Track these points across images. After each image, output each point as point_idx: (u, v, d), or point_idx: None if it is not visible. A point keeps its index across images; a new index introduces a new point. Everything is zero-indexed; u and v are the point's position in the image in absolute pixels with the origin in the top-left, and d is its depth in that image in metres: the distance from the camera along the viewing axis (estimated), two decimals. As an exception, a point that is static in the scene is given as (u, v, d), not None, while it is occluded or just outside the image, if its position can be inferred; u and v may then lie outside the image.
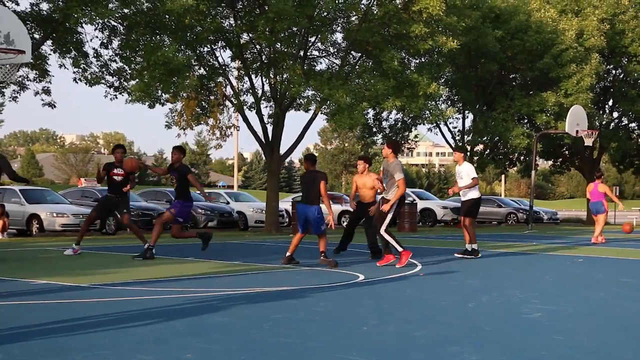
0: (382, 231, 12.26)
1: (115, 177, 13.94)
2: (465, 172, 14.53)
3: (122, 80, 22.58)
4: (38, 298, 7.87)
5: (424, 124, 32.19)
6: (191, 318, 6.67)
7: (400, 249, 12.20)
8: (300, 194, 13.23)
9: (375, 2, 24.78)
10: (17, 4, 20.48)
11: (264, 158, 39.30)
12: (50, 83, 22.24)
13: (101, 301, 7.68)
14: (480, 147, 37.04)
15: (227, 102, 28.06)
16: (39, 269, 11.26)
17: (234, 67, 27.68)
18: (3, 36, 13.33)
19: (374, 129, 34.80)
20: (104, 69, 22.26)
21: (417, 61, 28.71)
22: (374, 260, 13.20)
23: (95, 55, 21.99)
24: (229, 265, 12.04)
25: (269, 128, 26.34)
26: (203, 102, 27.89)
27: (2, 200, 23.71)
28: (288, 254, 12.42)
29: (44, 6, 20.33)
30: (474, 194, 14.52)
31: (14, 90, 22.26)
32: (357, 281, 10.03)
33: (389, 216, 12.27)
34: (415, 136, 36.21)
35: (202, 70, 25.69)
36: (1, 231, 20.90)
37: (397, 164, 12.33)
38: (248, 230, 27.70)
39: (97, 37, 21.89)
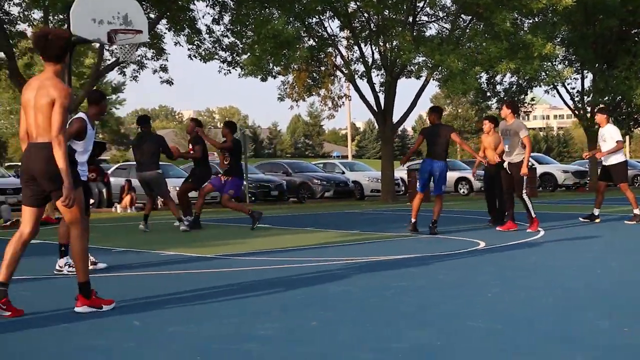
0: (523, 194, 12.03)
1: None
2: (609, 135, 13.70)
3: (234, 55, 22.95)
4: (167, 269, 8.16)
5: (540, 86, 31.16)
6: (312, 287, 6.73)
7: (533, 215, 12.01)
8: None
9: (485, -38, 24.09)
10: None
11: (376, 127, 39.01)
12: (167, 61, 22.96)
13: (224, 271, 7.87)
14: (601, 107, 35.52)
15: (338, 72, 28.10)
16: (167, 240, 11.66)
17: (343, 37, 27.67)
18: (122, 17, 13.77)
19: (488, 93, 33.95)
20: (216, 45, 22.70)
21: (531, 21, 27.76)
22: (493, 226, 12.95)
23: (207, 31, 22.46)
24: (347, 235, 12.09)
25: (381, 96, 26.20)
26: (314, 73, 28.03)
27: (128, 176, 24.66)
28: (413, 220, 12.00)
29: (158, -15, 20.89)
30: (618, 157, 13.78)
31: (133, 70, 23.08)
32: (478, 248, 9.86)
33: (525, 177, 12.04)
34: (532, 99, 35.10)
35: (311, 42, 25.83)
36: (130, 205, 21.80)
37: (519, 123, 12.08)
38: (364, 200, 27.75)
39: (208, 13, 22.65)
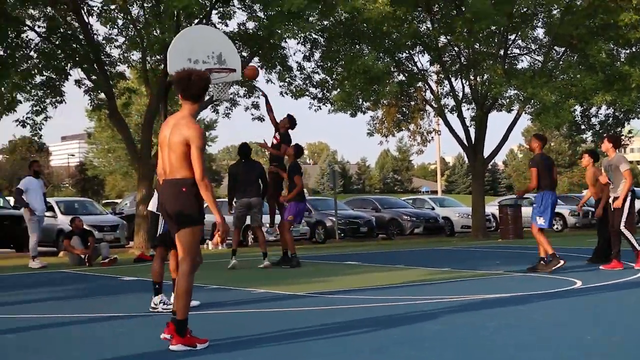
0: (622, 227, 11.58)
1: None
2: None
3: (324, 91, 23.15)
4: (259, 306, 8.18)
5: (638, 118, 30.20)
6: (406, 326, 6.62)
7: (639, 248, 11.53)
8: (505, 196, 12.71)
9: (579, -7, 23.65)
10: (226, 25, 21.68)
11: (466, 161, 38.54)
12: (259, 98, 23.28)
13: (316, 309, 7.83)
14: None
15: (428, 107, 28.00)
16: (257, 278, 11.74)
17: (433, 71, 27.58)
18: (216, 57, 14.11)
19: (582, 126, 33.11)
20: (307, 81, 22.94)
21: (627, 51, 26.99)
22: (593, 265, 12.48)
23: (298, 68, 22.74)
24: (438, 273, 11.91)
25: (471, 130, 25.92)
26: (403, 108, 28.00)
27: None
28: (543, 255, 11.27)
29: (250, 25, 21.33)
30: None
31: (226, 107, 23.55)
32: (575, 287, 9.51)
33: (625, 211, 11.54)
34: (629, 131, 34.01)
35: (401, 77, 25.80)
36: (221, 242, 22.04)
37: (620, 157, 11.69)
38: (454, 236, 27.36)
39: (299, 51, 22.78)
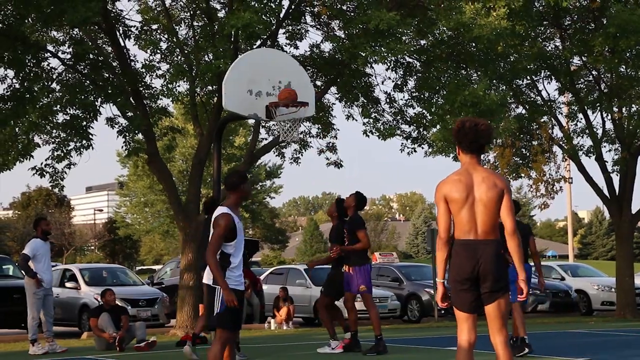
0: None
1: None
2: None
3: (420, 129, 23.16)
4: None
5: None
6: None
7: None
8: None
9: None
10: (296, 47, 21.94)
11: (607, 218, 37.92)
12: (336, 138, 23.48)
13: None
14: None
15: (555, 148, 27.71)
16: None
17: (563, 103, 27.31)
18: (284, 87, 14.30)
19: None
20: (398, 117, 23.02)
21: None
22: None
23: (387, 100, 22.85)
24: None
25: (615, 178, 25.51)
26: (523, 150, 27.78)
27: (285, 282, 25.16)
28: None
29: (327, 47, 21.59)
30: None
31: (295, 150, 23.79)
32: None
33: None
34: None
35: (521, 109, 25.67)
36: (285, 320, 22.10)
37: None
38: (592, 315, 26.79)
39: (389, 78, 22.81)
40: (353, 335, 13.54)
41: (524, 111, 25.72)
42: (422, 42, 21.67)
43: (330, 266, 14.10)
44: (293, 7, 20.81)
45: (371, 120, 22.47)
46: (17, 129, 19.90)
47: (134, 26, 20.74)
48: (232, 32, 18.23)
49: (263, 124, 22.51)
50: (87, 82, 20.09)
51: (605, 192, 25.63)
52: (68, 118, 20.29)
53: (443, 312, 24.62)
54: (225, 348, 8.13)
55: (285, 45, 21.67)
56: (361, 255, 13.41)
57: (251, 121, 34.15)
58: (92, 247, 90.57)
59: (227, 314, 8.13)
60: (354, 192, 13.79)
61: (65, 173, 20.63)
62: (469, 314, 6.88)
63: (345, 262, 13.42)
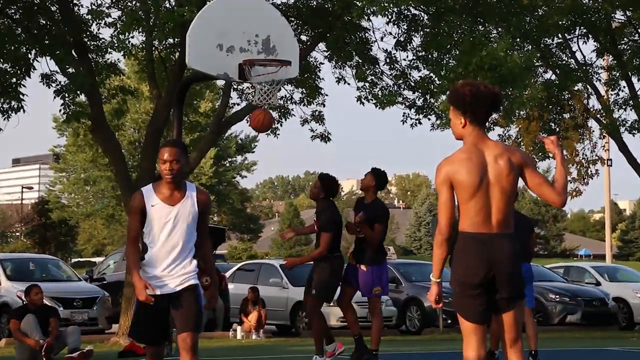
0: None
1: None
2: None
3: (427, 96, 23.22)
4: None
5: None
6: None
7: None
8: None
9: None
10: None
11: (653, 211, 37.92)
12: (324, 106, 23.55)
13: None
14: None
15: (591, 122, 27.85)
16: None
17: (602, 67, 27.45)
18: (261, 42, 14.37)
19: None
20: (400, 81, 23.05)
21: None
22: None
23: (387, 61, 22.89)
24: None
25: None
26: (551, 124, 27.92)
27: (256, 281, 25.12)
28: None
29: (315, -6, 21.64)
30: None
31: (273, 119, 23.82)
32: None
33: None
34: None
35: (550, 74, 25.82)
36: (255, 328, 22.00)
37: None
38: (634, 330, 26.95)
39: (390, 33, 22.82)
40: (358, 340, 13.67)
41: (553, 77, 25.87)
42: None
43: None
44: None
45: (367, 84, 22.51)
46: None
47: (78, -40, 20.71)
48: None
49: (235, 86, 22.53)
50: (19, 29, 19.97)
51: (653, 178, 25.86)
52: (-6, 73, 20.27)
53: (450, 321, 24.75)
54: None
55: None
56: (379, 250, 13.58)
57: (220, 82, 34.15)
58: (18, 234, 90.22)
59: (137, 322, 8.44)
60: (371, 170, 13.78)
61: (-12, 141, 20.70)
62: (478, 325, 6.83)
63: (357, 258, 13.54)
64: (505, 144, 7.06)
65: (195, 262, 8.22)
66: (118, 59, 22.49)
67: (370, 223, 13.42)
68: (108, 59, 21.09)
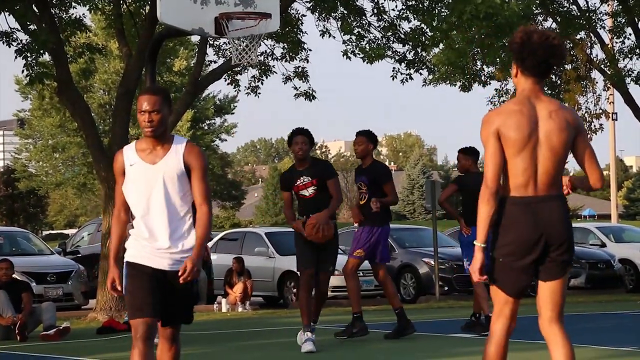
0: None
1: (304, 193, 13.59)
2: None
3: (418, 50, 23.18)
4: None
5: None
6: None
7: None
8: None
9: None
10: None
11: (662, 166, 38.04)
12: (308, 62, 23.46)
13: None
14: None
15: (595, 73, 27.83)
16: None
17: (606, 13, 27.38)
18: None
19: None
20: (389, 34, 23.00)
21: None
22: None
23: (375, 11, 22.80)
24: (617, 354, 12.02)
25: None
26: (553, 76, 27.87)
27: (240, 251, 25.10)
28: None
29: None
30: None
31: (253, 77, 23.72)
32: None
33: None
34: None
35: (550, 23, 25.70)
36: (241, 300, 22.01)
37: None
38: (641, 292, 27.05)
39: (380, -19, 22.76)
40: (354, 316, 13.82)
41: (554, 25, 25.78)
42: None
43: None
44: None
45: (353, 37, 22.47)
46: None
47: None
48: None
49: (211, 42, 22.44)
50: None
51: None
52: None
53: (447, 288, 24.80)
54: (146, 342, 7.24)
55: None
56: (382, 215, 13.85)
57: (195, 38, 34.03)
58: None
59: (133, 298, 7.37)
60: (362, 133, 14.09)
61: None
62: (515, 297, 6.65)
63: (369, 219, 13.78)
64: (562, 104, 6.85)
65: (193, 233, 7.33)
66: (84, 14, 22.51)
67: (378, 186, 13.75)
68: (73, 14, 21.06)
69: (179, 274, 7.11)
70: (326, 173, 13.05)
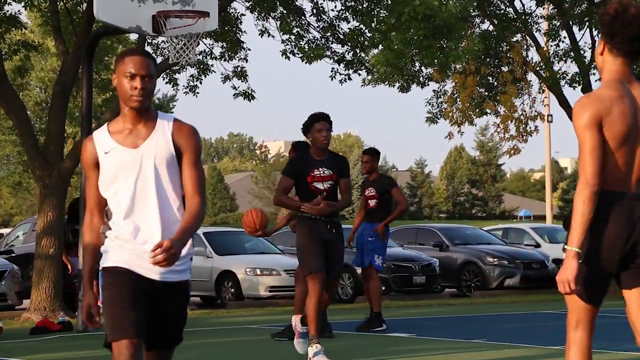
0: None
1: (318, 185, 12.80)
2: None
3: (356, 50, 23.27)
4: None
5: None
6: None
7: None
8: None
9: None
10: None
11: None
12: (247, 61, 23.47)
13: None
14: None
15: (530, 76, 27.99)
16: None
17: (542, 16, 27.59)
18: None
19: None
20: (328, 34, 23.05)
21: None
22: None
23: (314, 12, 22.84)
24: (548, 354, 12.26)
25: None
26: (489, 78, 28.03)
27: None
28: None
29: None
30: None
31: (191, 77, 23.70)
32: None
33: None
34: None
35: (487, 25, 25.85)
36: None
37: None
38: (575, 293, 27.29)
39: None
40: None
41: (491, 27, 25.94)
42: None
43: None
44: None
45: (292, 37, 22.50)
46: None
47: None
48: None
49: (149, 41, 22.37)
50: None
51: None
52: None
53: (384, 288, 24.85)
54: None
55: None
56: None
57: (133, 37, 33.91)
58: None
59: (114, 315, 5.74)
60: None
61: None
62: (596, 306, 5.89)
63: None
64: None
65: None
66: (19, 11, 22.30)
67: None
68: (7, 11, 20.92)
69: (151, 250, 5.47)
70: (346, 171, 12.40)
